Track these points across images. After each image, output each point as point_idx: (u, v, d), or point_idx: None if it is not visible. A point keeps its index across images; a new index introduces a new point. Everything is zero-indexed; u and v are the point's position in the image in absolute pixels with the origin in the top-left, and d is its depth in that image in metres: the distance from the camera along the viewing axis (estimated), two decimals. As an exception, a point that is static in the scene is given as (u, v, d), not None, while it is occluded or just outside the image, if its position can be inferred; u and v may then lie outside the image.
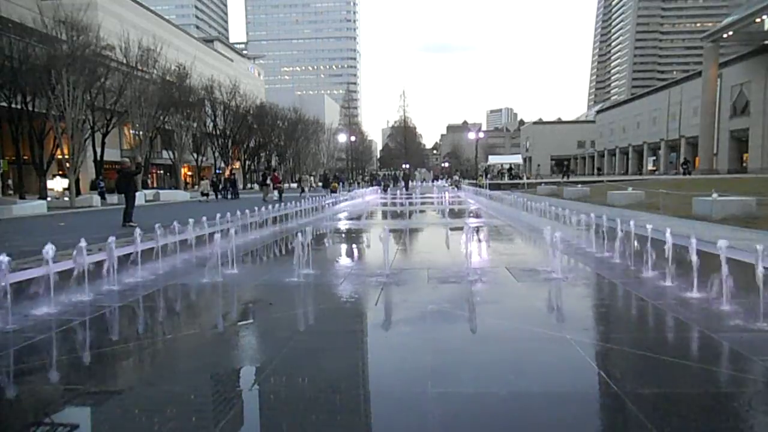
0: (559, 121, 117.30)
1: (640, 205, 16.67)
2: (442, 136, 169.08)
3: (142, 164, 34.42)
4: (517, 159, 72.40)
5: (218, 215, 10.52)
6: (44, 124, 31.98)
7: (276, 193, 31.29)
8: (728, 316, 4.47)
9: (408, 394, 3.13)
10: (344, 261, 8.63)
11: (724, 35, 46.94)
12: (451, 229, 12.91)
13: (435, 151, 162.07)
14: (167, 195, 35.48)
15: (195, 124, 52.20)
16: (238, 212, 10.52)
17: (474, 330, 4.63)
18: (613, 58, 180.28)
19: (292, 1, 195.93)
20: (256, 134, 67.89)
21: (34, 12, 31.53)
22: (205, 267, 6.90)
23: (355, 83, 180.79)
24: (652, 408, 2.84)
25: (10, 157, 36.19)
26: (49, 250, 4.98)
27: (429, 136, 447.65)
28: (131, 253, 6.77)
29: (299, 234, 6.85)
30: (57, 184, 36.92)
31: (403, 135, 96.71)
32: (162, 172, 59.91)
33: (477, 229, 12.36)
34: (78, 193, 30.17)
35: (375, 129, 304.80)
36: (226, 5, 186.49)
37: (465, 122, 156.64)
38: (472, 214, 17.46)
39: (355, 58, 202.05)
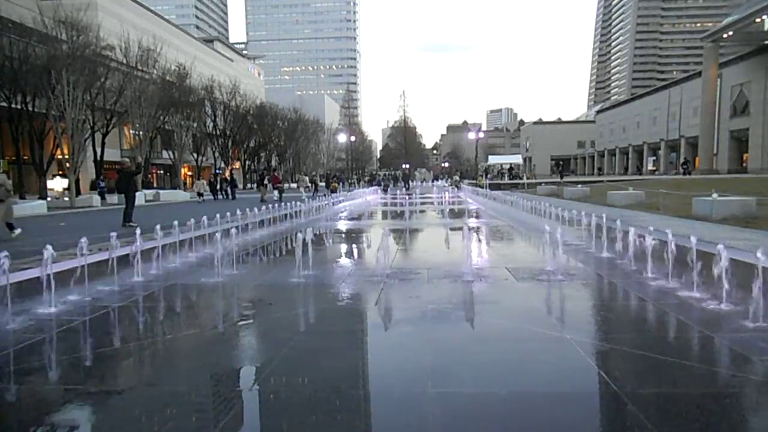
0: (559, 121, 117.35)
1: (640, 205, 16.68)
2: (442, 136, 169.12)
3: (142, 164, 34.43)
4: (517, 159, 72.47)
5: (218, 215, 10.51)
6: (44, 124, 32.00)
7: (275, 193, 31.28)
8: (728, 316, 4.47)
9: (408, 394, 3.13)
10: (344, 261, 8.63)
11: (724, 35, 46.94)
12: (451, 230, 12.91)
13: (435, 151, 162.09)
14: (167, 195, 35.50)
15: (195, 124, 52.23)
16: (238, 212, 10.52)
17: (474, 330, 4.63)
18: (613, 58, 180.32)
19: (292, 1, 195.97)
20: (256, 134, 67.92)
21: (34, 12, 31.54)
22: (205, 267, 6.90)
23: (355, 83, 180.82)
24: (652, 408, 2.84)
25: (10, 157, 36.20)
26: (49, 249, 4.97)
27: (429, 136, 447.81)
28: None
29: (299, 234, 6.85)
30: (57, 184, 36.93)
31: (403, 135, 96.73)
32: (162, 172, 59.89)
33: (477, 230, 12.36)
34: (78, 193, 30.18)
35: (375, 129, 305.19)
36: (226, 5, 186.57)
37: (465, 122, 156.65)
38: (472, 215, 17.46)
39: (355, 58, 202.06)
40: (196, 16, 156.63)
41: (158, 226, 7.58)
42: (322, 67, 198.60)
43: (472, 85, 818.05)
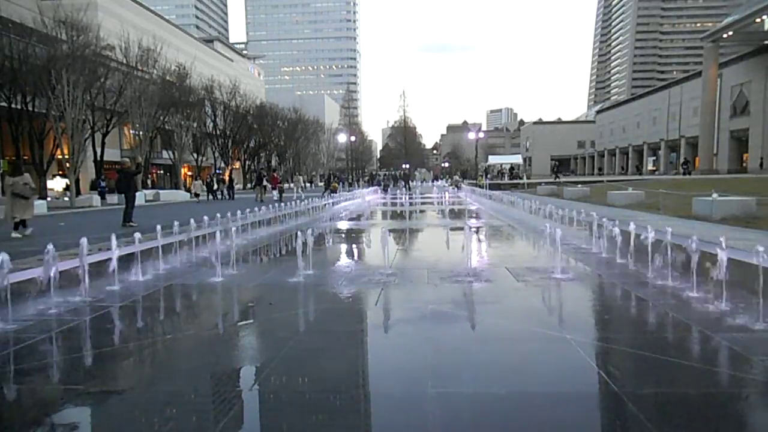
0: (559, 121, 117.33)
1: (640, 205, 16.68)
2: (442, 136, 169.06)
3: (142, 164, 34.39)
4: (517, 159, 72.42)
5: (218, 215, 10.51)
6: (44, 124, 31.98)
7: (274, 193, 31.25)
8: (728, 316, 4.47)
9: (408, 394, 3.13)
10: (344, 261, 8.63)
11: (724, 35, 46.95)
12: (451, 230, 12.91)
13: (435, 151, 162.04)
14: (167, 195, 35.50)
15: (195, 124, 52.20)
16: (238, 213, 10.52)
17: (474, 330, 4.63)
18: (613, 58, 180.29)
19: (292, 1, 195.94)
20: (256, 134, 67.87)
21: (34, 12, 31.54)
22: (205, 267, 6.90)
23: (355, 83, 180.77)
24: (652, 408, 2.84)
25: (10, 157, 36.15)
26: (50, 250, 4.98)
27: (429, 136, 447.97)
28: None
29: (299, 234, 6.85)
30: (57, 184, 36.92)
31: (403, 135, 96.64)
32: (162, 172, 59.86)
33: (477, 230, 12.36)
34: (78, 193, 30.17)
35: (375, 129, 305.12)
36: (226, 5, 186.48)
37: (465, 122, 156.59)
38: (472, 215, 17.46)
39: (355, 58, 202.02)
40: (196, 16, 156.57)
41: (159, 227, 7.58)
42: (322, 67, 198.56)
43: (472, 85, 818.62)
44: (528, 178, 53.51)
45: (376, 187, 43.01)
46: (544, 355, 3.83)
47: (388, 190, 43.35)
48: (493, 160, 76.72)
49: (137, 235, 7.12)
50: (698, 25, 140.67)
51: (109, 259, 6.21)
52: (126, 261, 6.70)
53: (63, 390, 3.34)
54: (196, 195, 32.04)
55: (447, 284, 6.17)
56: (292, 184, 34.61)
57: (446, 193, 31.91)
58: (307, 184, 42.31)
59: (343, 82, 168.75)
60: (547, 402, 3.00)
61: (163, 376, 3.65)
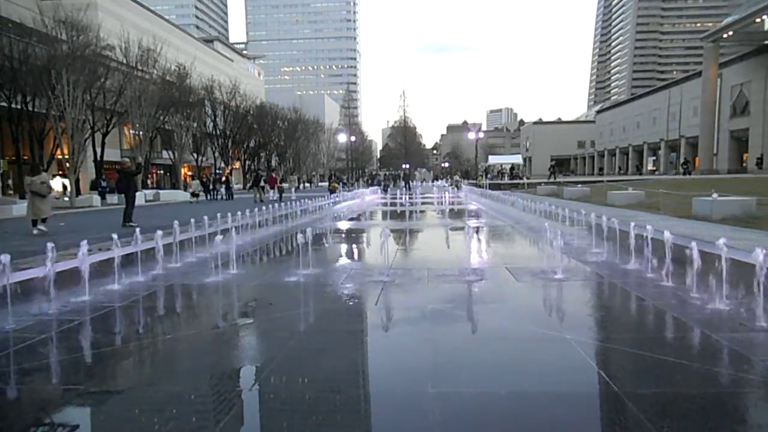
0: (559, 121, 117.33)
1: (640, 205, 16.67)
2: (442, 136, 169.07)
3: (142, 165, 34.37)
4: (518, 159, 72.43)
5: (218, 215, 10.51)
6: (44, 124, 31.97)
7: (272, 193, 31.23)
8: (727, 316, 4.47)
9: (408, 393, 3.13)
10: (344, 261, 8.63)
11: (724, 35, 46.94)
12: (451, 230, 12.91)
13: (435, 151, 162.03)
14: (167, 195, 35.49)
15: (195, 124, 52.18)
16: (239, 213, 10.53)
17: (474, 330, 4.63)
18: (613, 58, 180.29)
19: (292, 1, 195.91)
20: (256, 134, 67.83)
21: (34, 12, 31.52)
22: (205, 267, 6.90)
23: (355, 83, 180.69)
24: (652, 408, 2.84)
25: (10, 157, 36.17)
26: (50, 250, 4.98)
27: (429, 136, 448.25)
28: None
29: (299, 234, 6.85)
30: (57, 184, 36.89)
31: (403, 135, 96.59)
32: (162, 172, 59.85)
33: (477, 230, 12.36)
34: (78, 193, 30.17)
35: (375, 129, 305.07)
36: (226, 5, 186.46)
37: (465, 122, 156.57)
38: (472, 215, 17.46)
39: (355, 58, 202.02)
40: (196, 16, 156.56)
41: (159, 232, 7.58)
42: (322, 67, 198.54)
43: (472, 85, 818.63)
44: (528, 178, 53.54)
45: (376, 187, 43.01)
46: (544, 355, 3.83)
47: (388, 190, 43.35)
48: (493, 160, 76.74)
49: (138, 234, 7.12)
50: (698, 25, 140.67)
51: (111, 259, 6.21)
52: (126, 261, 6.71)
53: (62, 390, 3.34)
54: (194, 195, 31.95)
55: (447, 284, 6.17)
56: (287, 184, 34.50)
57: (446, 193, 31.89)
58: (307, 184, 42.48)
59: (343, 82, 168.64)
60: (547, 402, 3.01)
61: (163, 376, 3.65)
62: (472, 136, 65.99)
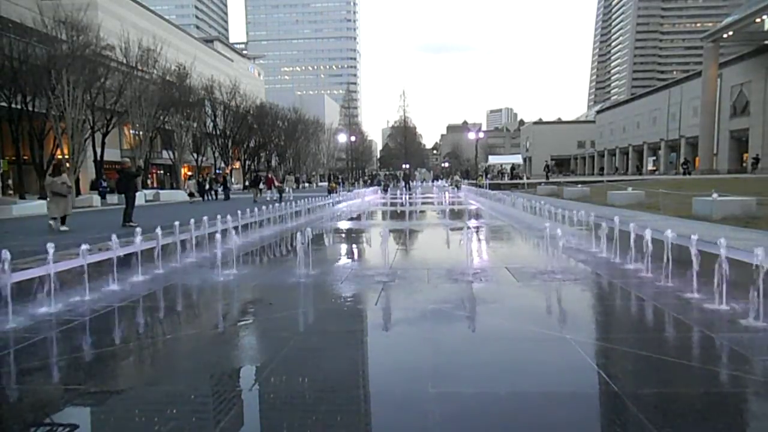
0: (559, 121, 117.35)
1: (640, 205, 16.68)
2: (442, 136, 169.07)
3: (142, 168, 34.33)
4: (518, 159, 72.48)
5: (218, 216, 10.51)
6: (44, 124, 31.98)
7: (271, 193, 31.21)
8: (727, 316, 4.47)
9: (408, 394, 3.13)
10: (344, 261, 8.63)
11: (724, 35, 46.94)
12: (451, 230, 12.91)
13: (435, 151, 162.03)
14: (167, 195, 35.49)
15: (195, 124, 52.21)
16: (239, 213, 10.53)
17: (474, 330, 4.63)
18: (613, 58, 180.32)
19: (292, 1, 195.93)
20: (256, 134, 67.84)
21: (34, 12, 31.54)
22: (205, 267, 6.90)
23: (355, 83, 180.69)
24: (652, 408, 2.84)
25: (10, 157, 36.18)
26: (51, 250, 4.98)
27: (429, 136, 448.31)
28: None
29: (299, 234, 6.85)
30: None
31: (403, 135, 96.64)
32: (162, 172, 59.87)
33: (477, 230, 12.36)
34: (78, 193, 30.17)
35: (375, 129, 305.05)
36: (226, 5, 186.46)
37: (465, 122, 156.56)
38: (472, 215, 17.46)
39: (355, 58, 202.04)
40: (196, 16, 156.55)
41: (159, 229, 7.58)
42: (322, 67, 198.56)
43: (472, 85, 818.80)
44: (528, 178, 53.53)
45: (376, 187, 43.00)
46: (544, 355, 3.83)
47: (388, 190, 43.36)
48: (493, 160, 76.81)
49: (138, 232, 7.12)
50: (698, 25, 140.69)
51: (110, 259, 6.22)
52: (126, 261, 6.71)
53: (63, 390, 3.34)
54: (191, 195, 31.85)
55: (447, 284, 6.17)
56: (284, 185, 34.41)
57: (446, 193, 31.89)
58: (306, 184, 42.63)
59: (343, 82, 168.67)
60: (547, 402, 3.01)
61: (163, 376, 3.65)
62: (472, 136, 66.01)
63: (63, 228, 13.11)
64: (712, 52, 48.19)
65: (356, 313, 5.32)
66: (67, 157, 27.87)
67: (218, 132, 59.53)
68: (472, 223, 14.33)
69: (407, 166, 79.19)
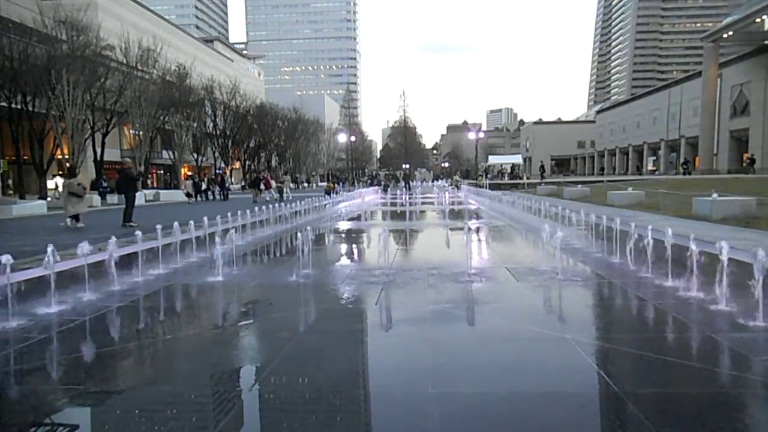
0: (559, 121, 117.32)
1: (640, 205, 16.67)
2: (442, 136, 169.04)
3: (141, 173, 34.22)
4: (518, 159, 72.43)
5: (218, 216, 10.51)
6: (44, 124, 31.98)
7: (270, 193, 31.18)
8: (727, 316, 4.47)
9: (408, 394, 3.13)
10: (344, 261, 8.63)
11: (724, 35, 46.94)
12: (451, 230, 12.91)
13: (435, 151, 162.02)
14: (167, 195, 35.47)
15: (195, 124, 52.22)
16: (239, 213, 10.52)
17: (474, 330, 4.63)
18: (613, 58, 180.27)
19: (292, 1, 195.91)
20: (256, 134, 67.85)
21: (34, 12, 31.55)
22: (205, 267, 6.90)
23: (355, 83, 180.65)
24: (652, 408, 2.85)
25: (10, 157, 36.17)
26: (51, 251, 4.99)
27: (429, 136, 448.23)
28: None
29: (299, 234, 6.85)
30: (57, 184, 36.85)
31: (403, 135, 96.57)
32: (162, 172, 59.87)
33: (477, 230, 12.36)
34: (78, 193, 30.09)
35: (375, 129, 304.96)
36: (226, 5, 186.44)
37: (465, 122, 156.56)
38: (472, 215, 17.46)
39: (355, 58, 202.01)
40: (196, 16, 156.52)
41: (159, 227, 7.59)
42: (322, 67, 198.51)
43: (472, 85, 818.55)
44: (528, 178, 53.50)
45: (376, 187, 43.00)
46: (544, 355, 3.83)
47: (388, 190, 43.35)
48: (492, 160, 76.75)
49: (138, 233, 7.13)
50: (698, 25, 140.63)
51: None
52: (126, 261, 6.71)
53: (62, 389, 3.35)
54: (188, 195, 31.74)
55: (447, 284, 6.17)
56: (283, 185, 34.32)
57: (446, 193, 31.89)
58: (305, 184, 42.71)
59: (343, 82, 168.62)
60: (547, 402, 3.01)
61: (163, 376, 3.65)
62: (472, 136, 66.01)
63: (79, 225, 13.77)
64: (712, 52, 48.19)
65: (356, 313, 5.32)
66: (67, 157, 27.85)
67: (218, 132, 59.54)
68: (472, 223, 14.33)
69: (407, 166, 79.20)
